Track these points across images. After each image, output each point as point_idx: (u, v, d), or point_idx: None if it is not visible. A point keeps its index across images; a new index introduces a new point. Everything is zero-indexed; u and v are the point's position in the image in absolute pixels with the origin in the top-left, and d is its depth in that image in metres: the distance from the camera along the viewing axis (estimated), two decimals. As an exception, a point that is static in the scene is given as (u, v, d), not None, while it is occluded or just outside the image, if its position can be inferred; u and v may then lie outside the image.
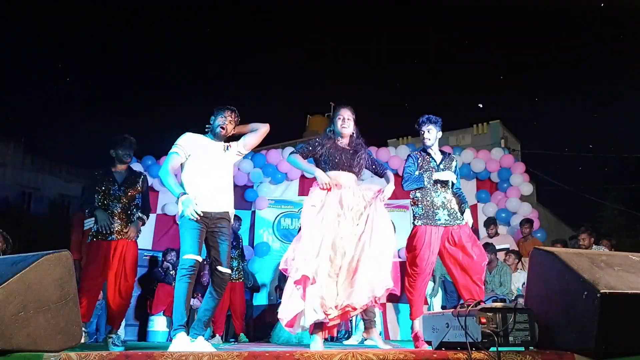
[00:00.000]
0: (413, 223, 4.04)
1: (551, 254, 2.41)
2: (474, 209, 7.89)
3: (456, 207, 3.98)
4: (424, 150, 4.10)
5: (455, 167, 4.14)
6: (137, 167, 8.17)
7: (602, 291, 2.07)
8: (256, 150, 9.68)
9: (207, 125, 3.64)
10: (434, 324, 2.51)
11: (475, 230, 7.33)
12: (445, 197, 3.96)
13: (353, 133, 3.69)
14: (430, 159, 4.05)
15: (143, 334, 6.85)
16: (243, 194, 8.22)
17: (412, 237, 3.97)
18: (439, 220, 3.91)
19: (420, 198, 3.97)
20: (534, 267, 2.57)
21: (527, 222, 7.14)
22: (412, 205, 4.06)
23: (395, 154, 8.24)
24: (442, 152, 4.16)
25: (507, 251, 6.72)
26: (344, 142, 3.67)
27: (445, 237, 3.90)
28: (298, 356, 2.14)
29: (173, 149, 3.48)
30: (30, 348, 2.17)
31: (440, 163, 4.05)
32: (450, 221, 3.91)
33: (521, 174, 7.98)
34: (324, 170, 3.54)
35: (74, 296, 2.41)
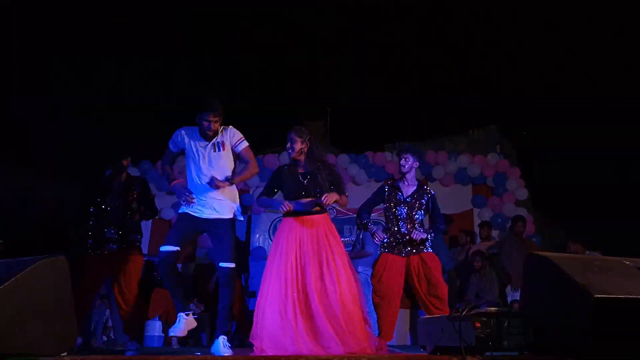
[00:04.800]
0: (379, 250, 4.09)
1: (545, 258, 2.42)
2: (469, 214, 7.91)
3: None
4: (394, 183, 4.12)
5: (428, 202, 4.07)
6: (133, 172, 8.13)
7: (595, 296, 2.07)
8: (253, 155, 9.66)
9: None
10: (429, 329, 2.52)
11: (471, 232, 7.38)
12: (408, 229, 3.98)
13: (304, 155, 3.54)
14: (398, 192, 4.05)
15: (140, 338, 6.81)
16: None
17: (376, 263, 4.04)
18: (405, 249, 3.95)
19: (388, 227, 4.05)
20: (529, 273, 2.58)
21: (520, 219, 6.64)
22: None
23: (392, 159, 8.24)
24: (419, 184, 4.16)
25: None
26: (298, 166, 3.56)
27: (411, 265, 3.93)
28: (293, 361, 2.15)
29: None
30: (25, 352, 2.17)
31: (408, 197, 4.03)
32: (414, 250, 3.96)
33: (517, 179, 8.01)
34: (288, 199, 3.52)
35: (69, 301, 2.41)
